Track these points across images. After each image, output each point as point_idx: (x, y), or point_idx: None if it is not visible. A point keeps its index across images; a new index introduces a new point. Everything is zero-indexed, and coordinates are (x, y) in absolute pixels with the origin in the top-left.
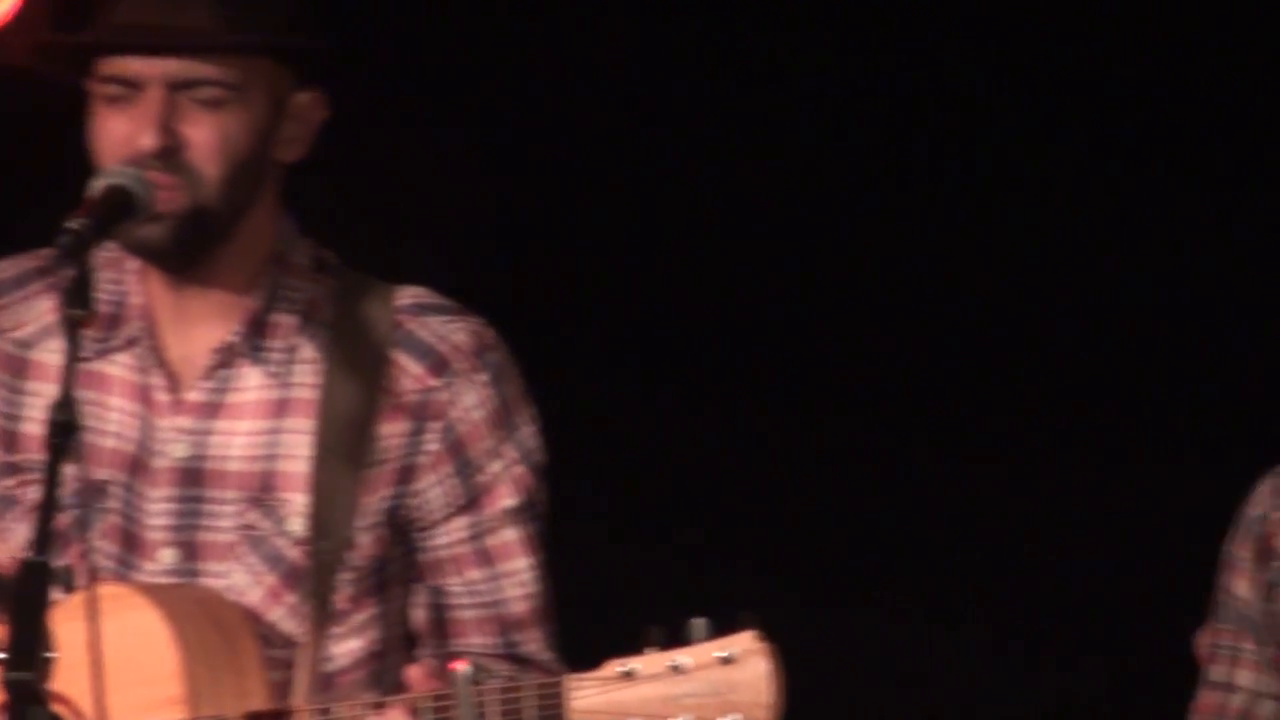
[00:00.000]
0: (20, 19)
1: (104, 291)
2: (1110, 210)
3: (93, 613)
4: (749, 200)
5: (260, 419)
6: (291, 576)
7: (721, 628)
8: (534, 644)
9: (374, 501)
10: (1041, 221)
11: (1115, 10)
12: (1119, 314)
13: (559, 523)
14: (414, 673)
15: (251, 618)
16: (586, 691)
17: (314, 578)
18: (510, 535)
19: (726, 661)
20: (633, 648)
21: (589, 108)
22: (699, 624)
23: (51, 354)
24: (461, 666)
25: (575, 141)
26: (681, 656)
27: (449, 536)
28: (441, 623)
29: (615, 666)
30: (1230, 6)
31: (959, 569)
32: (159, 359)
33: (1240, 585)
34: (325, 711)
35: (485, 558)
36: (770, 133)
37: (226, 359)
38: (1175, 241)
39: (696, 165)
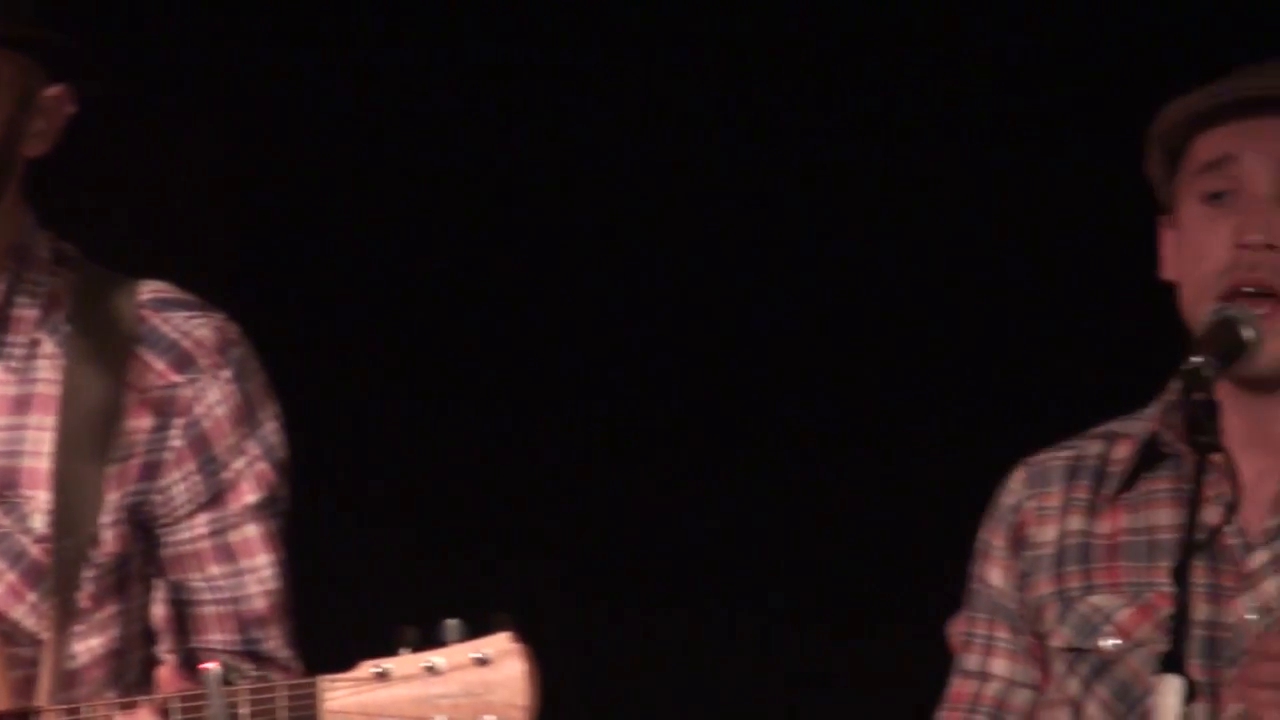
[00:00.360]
0: None
1: None
2: (878, 201)
3: None
4: (497, 189)
5: (1, 415)
6: (32, 574)
7: (476, 629)
8: (273, 641)
9: (118, 498)
10: (809, 217)
11: None
12: (881, 307)
13: (309, 519)
14: (164, 673)
15: None
16: (340, 692)
17: (56, 575)
18: (252, 531)
19: (481, 663)
20: (387, 648)
21: (331, 104)
22: (453, 625)
23: None
24: (213, 666)
25: (317, 137)
26: (436, 657)
27: (191, 532)
28: (182, 619)
29: (369, 667)
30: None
31: (719, 564)
32: None
33: (995, 574)
34: (74, 711)
35: (227, 554)
36: (505, 124)
37: None
38: (934, 233)
39: (438, 159)
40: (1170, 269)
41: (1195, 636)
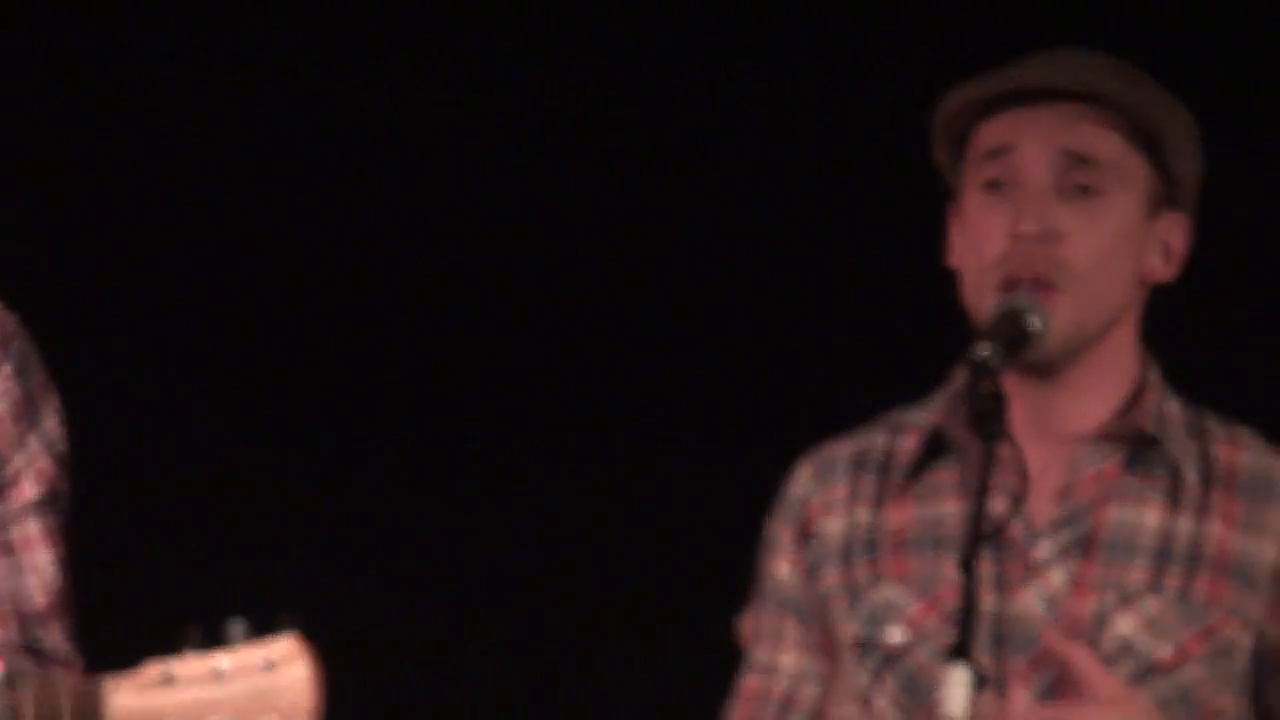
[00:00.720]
0: None
1: None
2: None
3: None
4: (287, 183)
5: None
6: None
7: (260, 628)
8: (54, 638)
9: None
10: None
11: None
12: (662, 306)
13: (93, 517)
14: None
15: None
16: (125, 694)
17: None
18: (33, 528)
19: (268, 665)
20: (172, 647)
21: (129, 90)
22: (237, 625)
23: None
24: None
25: (107, 138)
26: (222, 660)
27: None
28: None
29: (155, 669)
30: None
31: (503, 562)
32: None
33: (782, 567)
34: None
35: (7, 550)
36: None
37: None
38: (709, 224)
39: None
40: (954, 257)
41: (982, 628)
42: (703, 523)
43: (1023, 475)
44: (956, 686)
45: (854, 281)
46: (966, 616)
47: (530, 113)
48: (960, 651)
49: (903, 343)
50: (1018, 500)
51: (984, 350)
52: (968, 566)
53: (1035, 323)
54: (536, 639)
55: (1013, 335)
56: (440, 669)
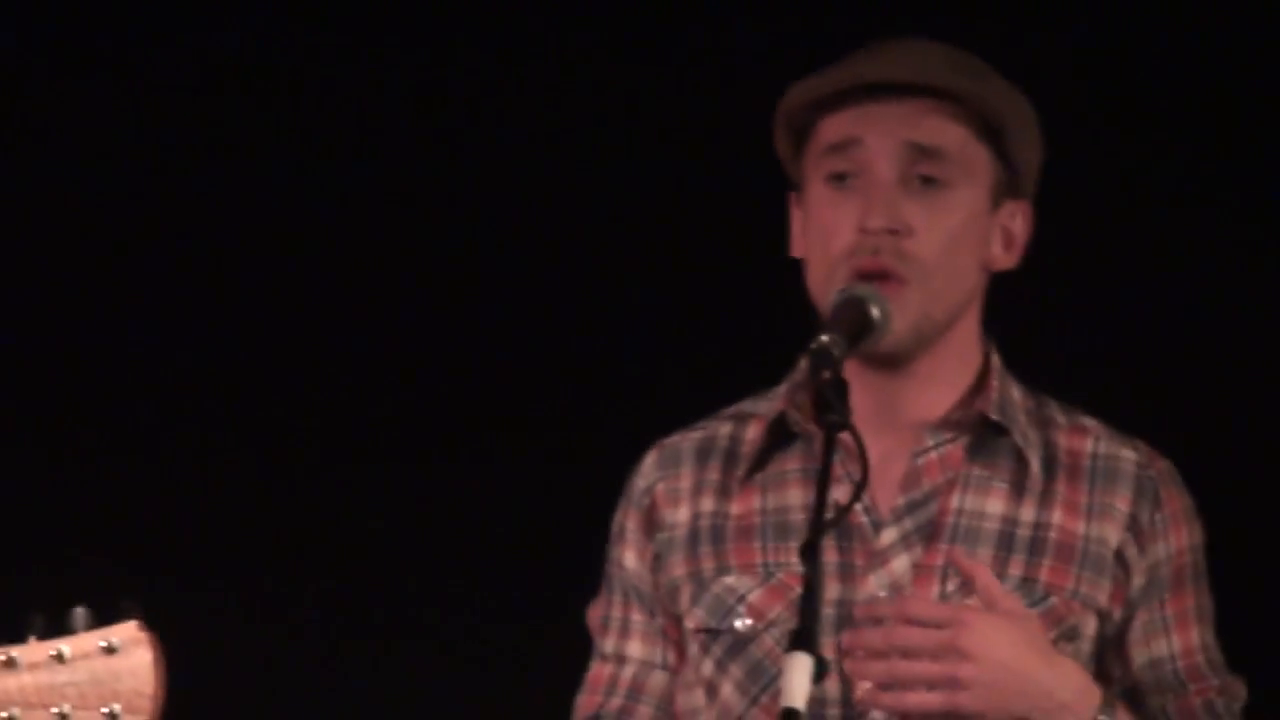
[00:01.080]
0: None
1: None
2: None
3: None
4: (105, 178)
5: None
6: None
7: (104, 617)
8: None
9: None
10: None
11: None
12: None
13: None
14: None
15: None
16: None
17: None
18: None
19: (109, 651)
20: (15, 635)
21: None
22: (80, 613)
23: None
24: None
25: None
26: (63, 645)
27: None
28: None
29: None
30: None
31: (350, 552)
32: None
33: (629, 557)
34: None
35: None
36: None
37: None
38: (571, 218)
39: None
40: (798, 247)
41: (827, 615)
42: (552, 515)
43: (864, 463)
44: (797, 674)
45: (703, 273)
46: (808, 604)
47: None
48: (803, 639)
49: (754, 334)
50: (859, 488)
51: (825, 338)
52: (808, 553)
53: (877, 311)
54: (385, 629)
55: (854, 324)
56: (278, 658)
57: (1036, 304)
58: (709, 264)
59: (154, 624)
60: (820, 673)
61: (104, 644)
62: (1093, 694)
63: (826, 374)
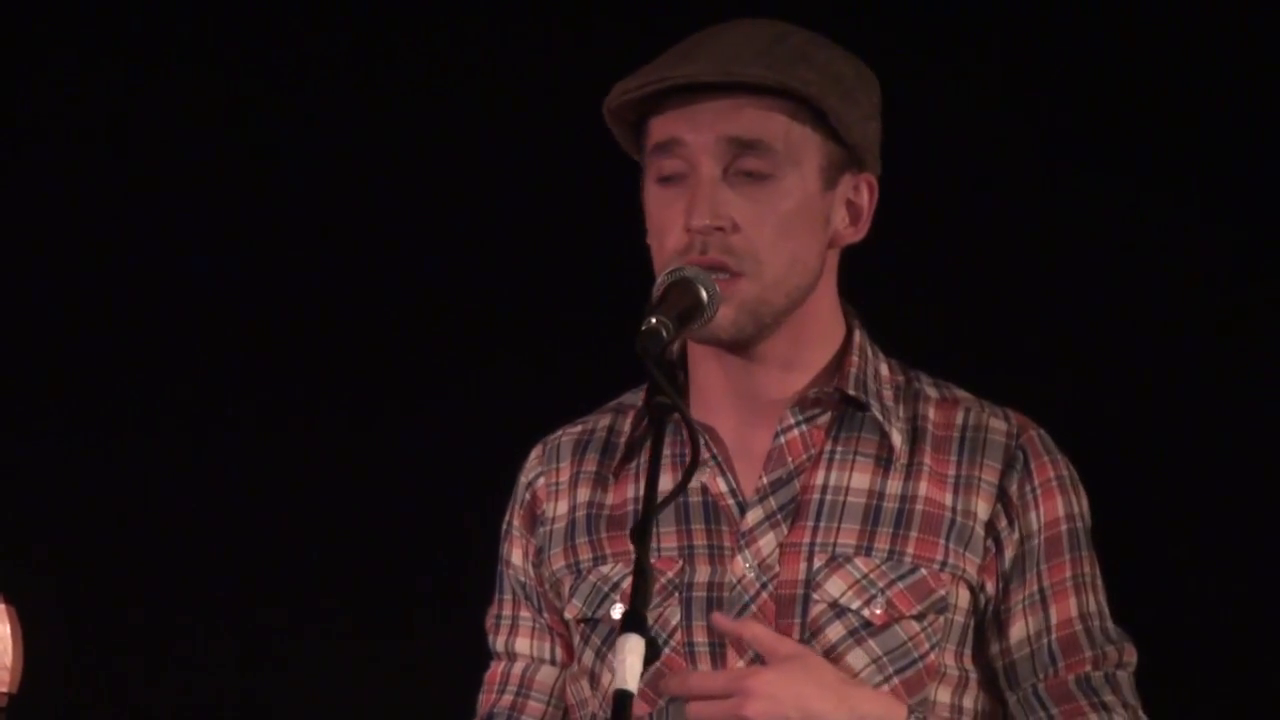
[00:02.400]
0: None
1: None
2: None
3: None
4: None
5: None
6: None
7: None
8: None
9: None
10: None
11: None
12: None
13: None
14: None
15: None
16: None
17: None
18: None
19: None
20: None
21: None
22: None
23: None
24: None
25: None
26: None
27: None
28: None
29: None
30: None
31: (203, 542)
32: None
33: (515, 554)
34: None
35: None
36: None
37: None
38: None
39: None
40: (649, 237)
41: (698, 598)
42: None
43: (696, 445)
44: (630, 655)
45: (593, 270)
46: (638, 586)
47: None
48: (634, 621)
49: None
50: (689, 471)
51: (654, 320)
52: (638, 536)
53: (705, 293)
54: (258, 623)
55: (684, 305)
56: (135, 634)
57: (908, 278)
58: (600, 260)
59: (15, 598)
60: (653, 655)
61: None
62: (895, 713)
63: (655, 355)
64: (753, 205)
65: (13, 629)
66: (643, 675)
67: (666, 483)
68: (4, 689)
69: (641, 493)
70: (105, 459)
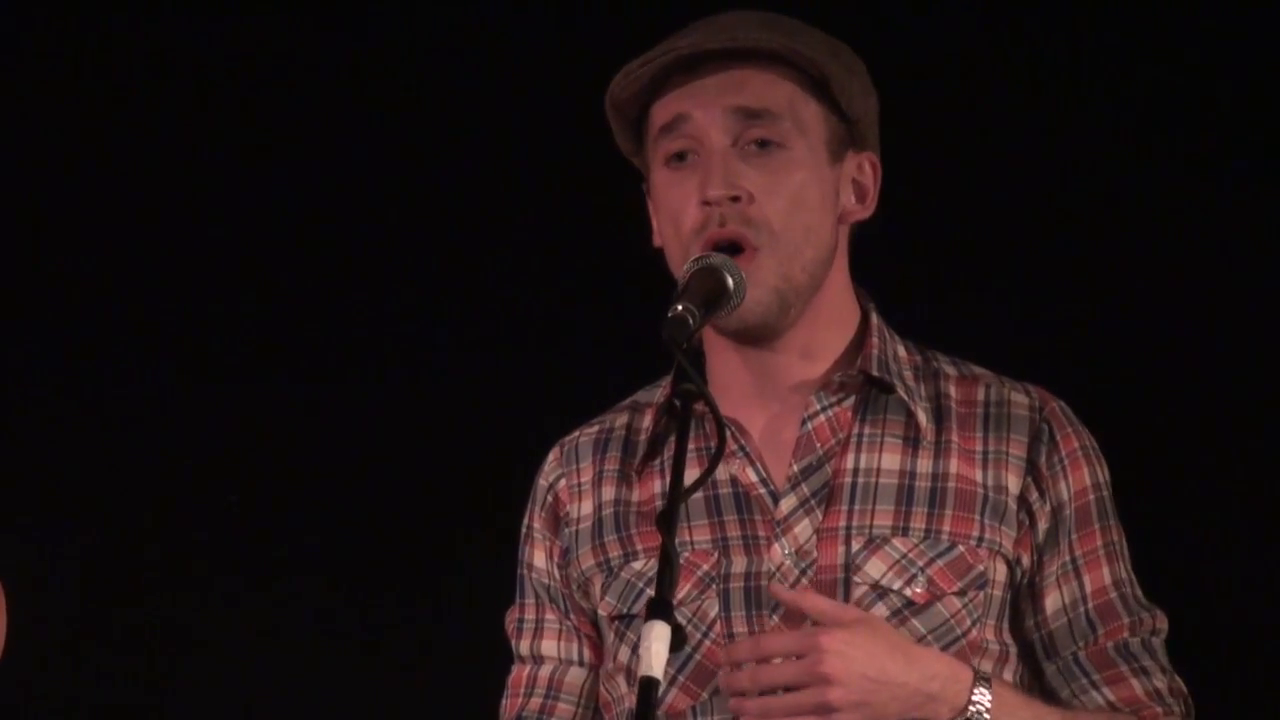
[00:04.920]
0: None
1: None
2: None
3: None
4: None
5: None
6: None
7: None
8: None
9: None
10: None
11: None
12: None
13: None
14: None
15: None
16: None
17: None
18: None
19: None
20: None
21: None
22: None
23: None
24: None
25: None
26: None
27: None
28: None
29: None
30: None
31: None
32: None
33: (538, 557)
34: None
35: None
36: None
37: None
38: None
39: None
40: (657, 237)
41: (735, 589)
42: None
43: (722, 432)
44: (656, 643)
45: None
46: (663, 573)
47: None
48: (659, 608)
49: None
50: (715, 457)
51: (680, 308)
52: (663, 522)
53: (731, 279)
54: (229, 584)
55: (709, 293)
56: (122, 603)
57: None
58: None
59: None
60: (679, 641)
61: None
62: (961, 675)
63: (683, 343)
64: (766, 176)
65: None
66: (684, 669)
67: (694, 477)
68: None
69: (665, 487)
70: (98, 431)
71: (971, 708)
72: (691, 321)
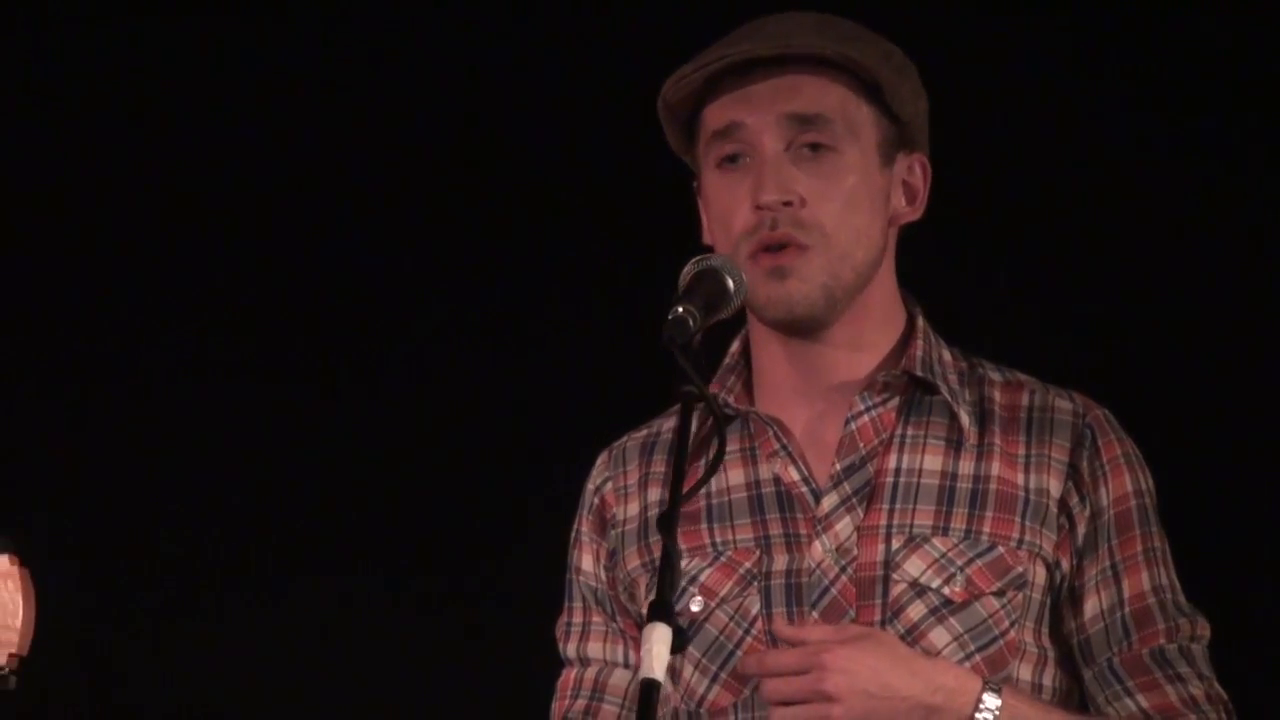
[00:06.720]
0: None
1: None
2: None
3: None
4: None
5: None
6: None
7: None
8: None
9: None
10: None
11: None
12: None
13: None
14: None
15: None
16: None
17: None
18: None
19: None
20: None
21: None
22: None
23: None
24: None
25: None
26: None
27: None
28: None
29: None
30: None
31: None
32: None
33: (585, 560)
34: None
35: None
36: None
37: None
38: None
39: None
40: (707, 234)
41: (776, 586)
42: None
43: (722, 440)
44: (657, 644)
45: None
46: (664, 575)
47: None
48: (660, 610)
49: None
50: (716, 460)
51: (680, 310)
52: (665, 525)
53: (731, 282)
54: (261, 579)
55: (710, 295)
56: (154, 598)
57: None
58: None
59: (30, 560)
60: (679, 643)
61: None
62: (969, 685)
63: (682, 343)
64: (818, 181)
65: (24, 590)
66: (725, 666)
67: (738, 477)
68: (15, 651)
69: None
70: (125, 420)
71: (979, 716)
72: (692, 323)
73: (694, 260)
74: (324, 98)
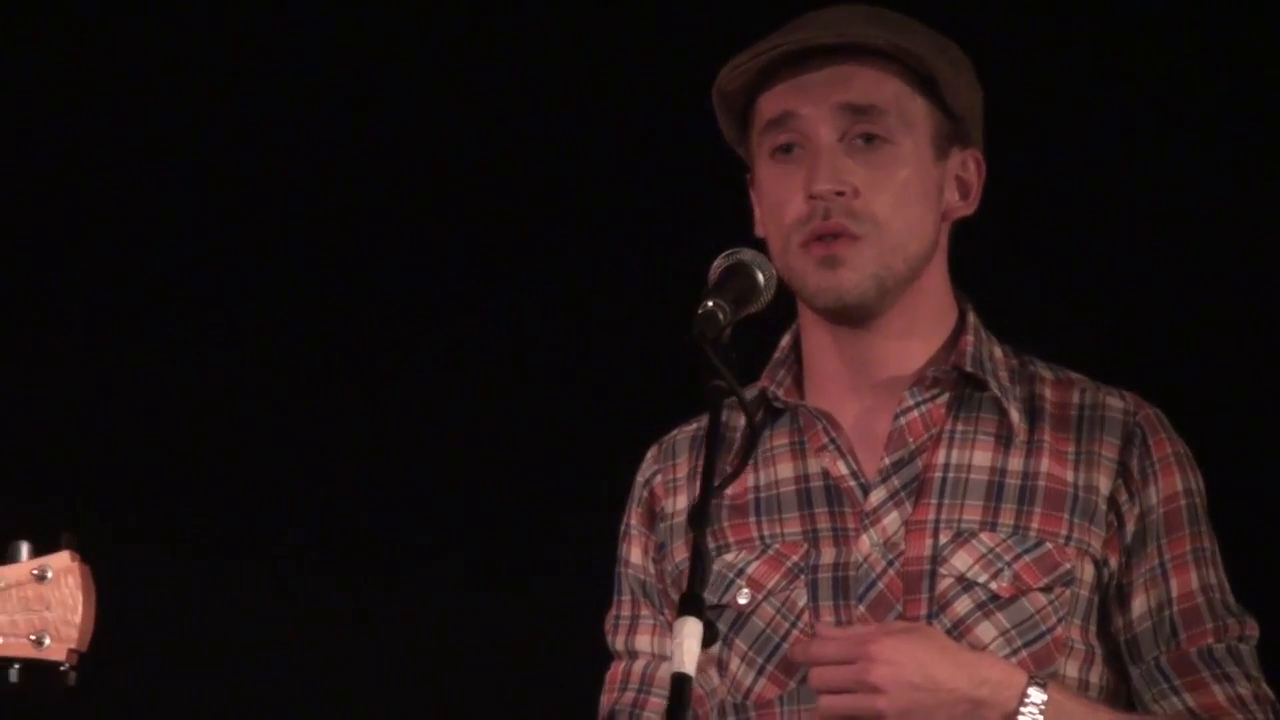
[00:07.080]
0: None
1: None
2: None
3: None
4: None
5: None
6: None
7: (43, 551)
8: None
9: None
10: None
11: None
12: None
13: None
14: None
15: None
16: None
17: None
18: None
19: (40, 578)
20: None
21: None
22: (21, 545)
23: None
24: None
25: None
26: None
27: None
28: None
29: None
30: None
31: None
32: None
33: (635, 553)
34: None
35: None
36: None
37: None
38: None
39: None
40: (760, 226)
41: (824, 579)
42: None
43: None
44: (688, 639)
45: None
46: (695, 570)
47: None
48: (691, 604)
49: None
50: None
51: (710, 304)
52: (696, 519)
53: (761, 276)
54: (318, 571)
55: (740, 289)
56: (208, 597)
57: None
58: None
59: (91, 557)
60: (710, 637)
61: (36, 572)
62: (1014, 679)
63: (712, 338)
64: (872, 172)
65: (85, 587)
66: (772, 658)
67: (787, 470)
68: (74, 646)
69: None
70: (192, 418)
71: (1024, 710)
72: (721, 317)
73: (724, 254)
74: (329, 97)
